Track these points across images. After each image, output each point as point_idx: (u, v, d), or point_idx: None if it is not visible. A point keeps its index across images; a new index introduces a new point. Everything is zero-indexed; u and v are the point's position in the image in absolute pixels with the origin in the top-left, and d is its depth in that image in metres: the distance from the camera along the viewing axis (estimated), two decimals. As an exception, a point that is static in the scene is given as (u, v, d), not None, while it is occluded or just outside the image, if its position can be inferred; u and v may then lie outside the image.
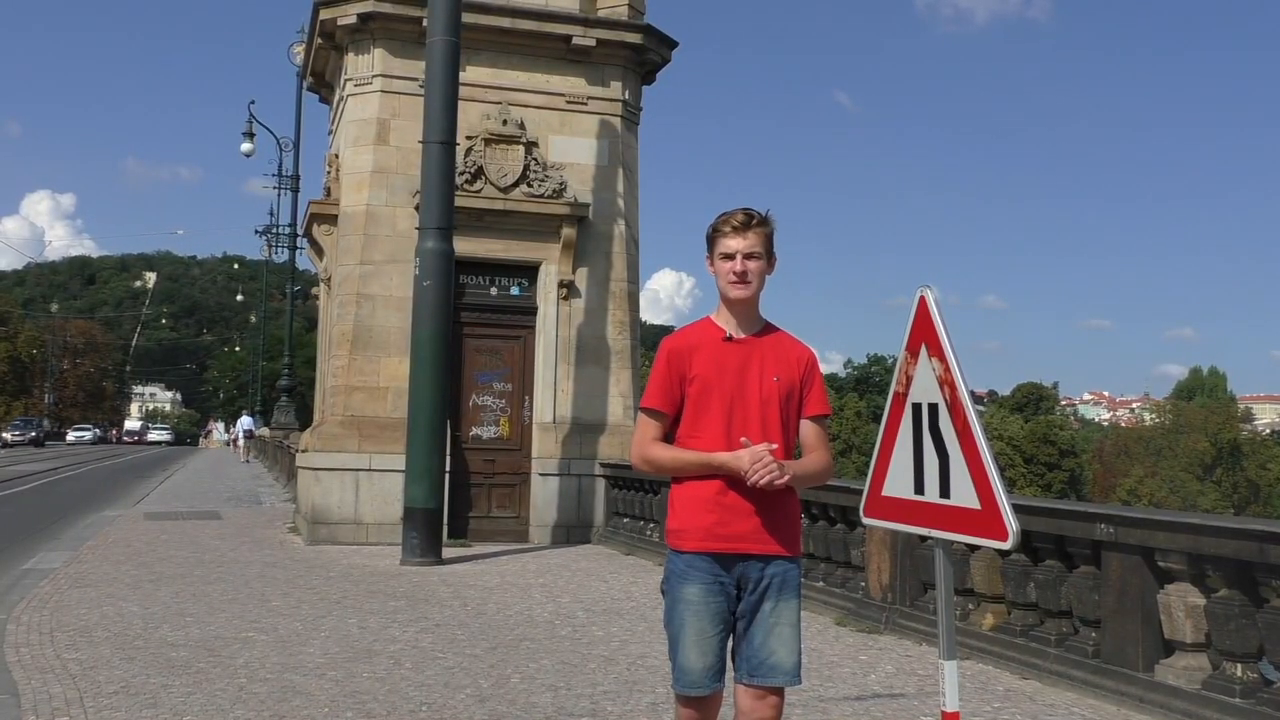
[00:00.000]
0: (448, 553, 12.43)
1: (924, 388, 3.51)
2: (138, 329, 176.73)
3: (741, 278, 3.51)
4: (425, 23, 12.86)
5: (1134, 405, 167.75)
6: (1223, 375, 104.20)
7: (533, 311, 14.68)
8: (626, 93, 15.31)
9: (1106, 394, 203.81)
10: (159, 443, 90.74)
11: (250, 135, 39.44)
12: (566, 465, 14.48)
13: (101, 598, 9.26)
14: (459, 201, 13.12)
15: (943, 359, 3.43)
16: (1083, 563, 6.80)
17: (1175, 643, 6.04)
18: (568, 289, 14.69)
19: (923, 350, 3.52)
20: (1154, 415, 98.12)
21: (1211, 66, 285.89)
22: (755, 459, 3.35)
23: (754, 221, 3.54)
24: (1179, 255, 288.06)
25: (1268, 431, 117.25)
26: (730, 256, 3.52)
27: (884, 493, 3.72)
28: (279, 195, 40.86)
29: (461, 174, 13.82)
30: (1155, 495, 77.03)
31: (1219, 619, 5.73)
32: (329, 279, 15.83)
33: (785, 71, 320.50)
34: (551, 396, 14.59)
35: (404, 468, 12.47)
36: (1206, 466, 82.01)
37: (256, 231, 44.66)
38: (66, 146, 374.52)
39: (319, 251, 15.94)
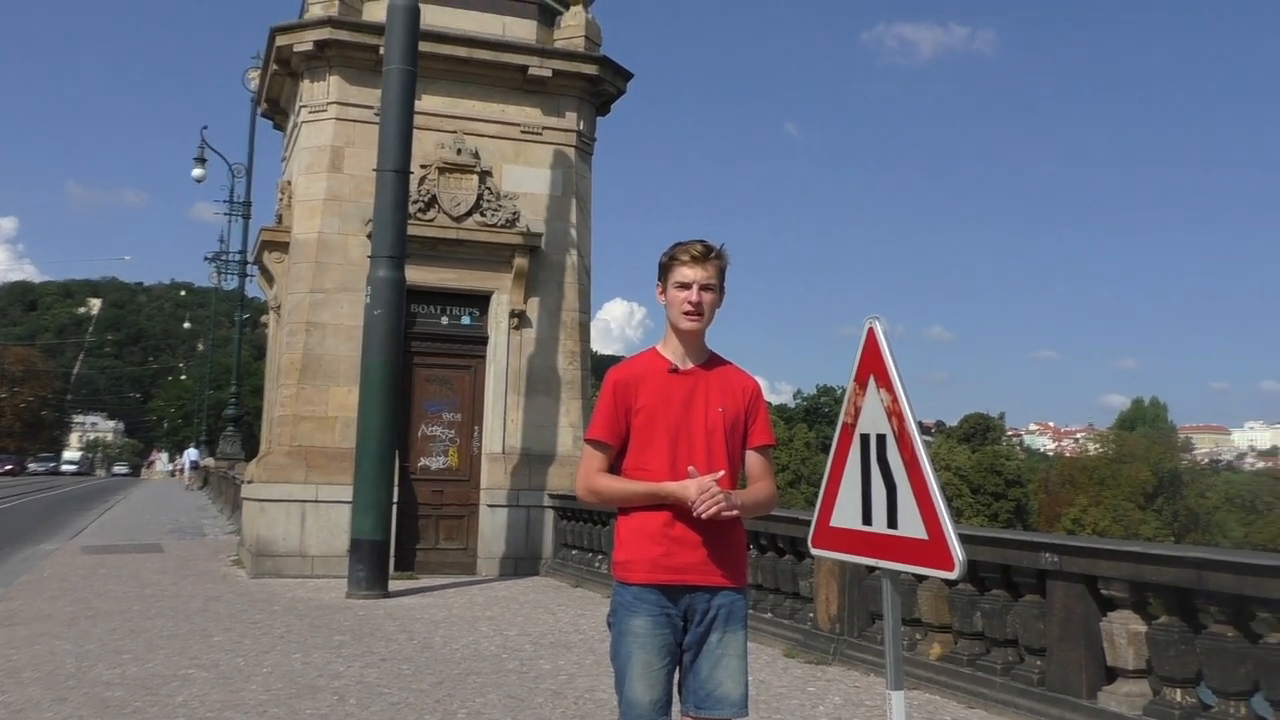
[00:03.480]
0: (394, 585, 12.29)
1: (872, 418, 3.53)
2: (80, 356, 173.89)
3: (696, 309, 3.52)
4: (382, 51, 12.85)
5: (1078, 435, 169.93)
6: (1163, 406, 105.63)
7: (484, 341, 14.62)
8: (581, 123, 15.36)
9: (1052, 424, 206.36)
10: (69, 473, 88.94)
11: (202, 160, 39.11)
12: (515, 496, 14.39)
13: (33, 636, 9.01)
14: (412, 230, 13.07)
15: (891, 390, 3.45)
16: (1028, 591, 6.86)
17: (1118, 669, 6.10)
18: (519, 319, 14.65)
19: (871, 381, 3.54)
20: (1097, 445, 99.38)
21: (1153, 101, 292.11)
22: (702, 489, 3.35)
23: (711, 254, 3.56)
24: (1122, 288, 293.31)
25: (1206, 461, 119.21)
26: (686, 286, 3.52)
27: (832, 523, 3.73)
28: (229, 221, 40.54)
29: (415, 203, 13.77)
30: (1099, 524, 77.92)
31: (1159, 645, 5.80)
32: (279, 307, 15.68)
33: (736, 103, 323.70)
34: (501, 427, 14.52)
35: (351, 499, 12.34)
36: (1148, 495, 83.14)
37: (206, 258, 44.22)
38: (7, 168, 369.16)
39: (269, 279, 15.79)
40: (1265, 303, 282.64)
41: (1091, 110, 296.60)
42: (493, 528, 14.32)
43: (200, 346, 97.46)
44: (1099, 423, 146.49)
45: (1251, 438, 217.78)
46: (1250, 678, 5.36)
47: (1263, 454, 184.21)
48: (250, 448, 35.73)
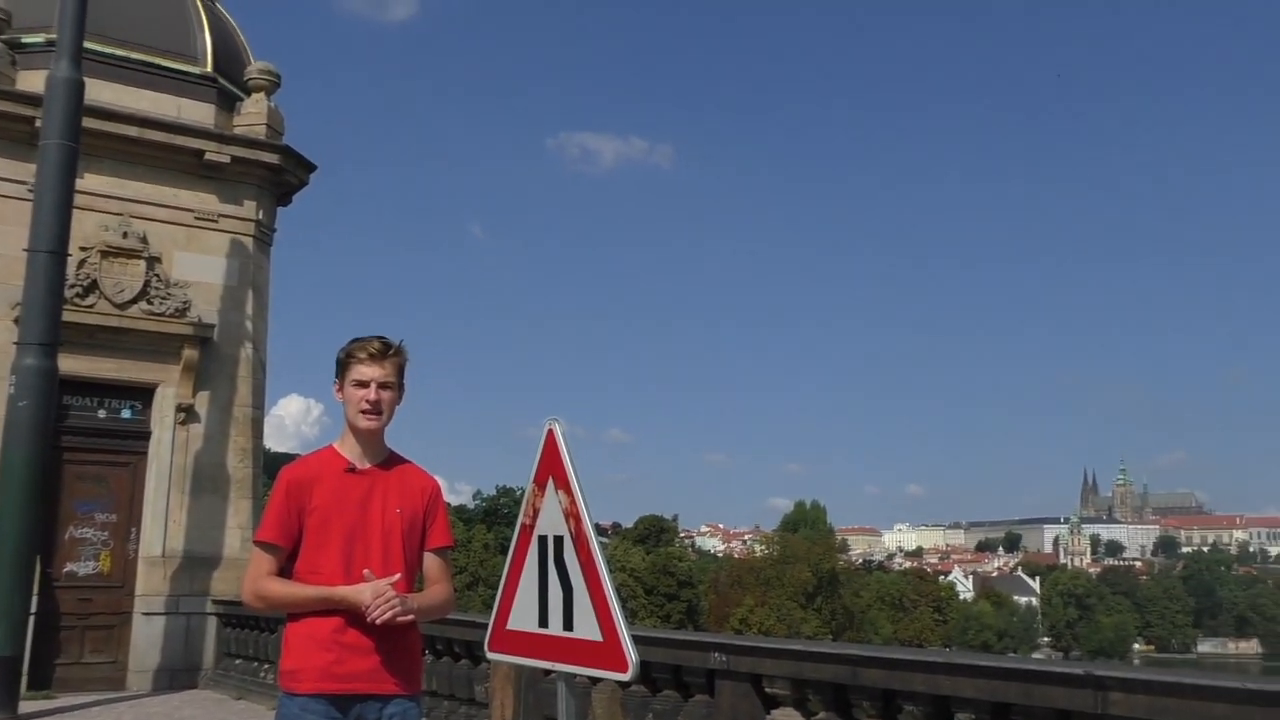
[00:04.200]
0: (27, 706, 11.12)
1: (550, 520, 3.56)
2: None
3: (374, 407, 3.46)
4: (40, 124, 12.01)
5: (746, 537, 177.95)
6: (823, 508, 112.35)
7: (146, 436, 13.70)
8: (261, 212, 14.89)
9: (722, 526, 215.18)
10: None
11: None
12: (175, 603, 13.44)
13: None
14: (68, 316, 12.14)
15: (569, 492, 3.50)
16: (698, 691, 7.02)
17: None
18: (186, 413, 13.85)
19: (550, 483, 3.58)
20: (763, 546, 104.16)
21: (814, 213, 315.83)
22: (377, 593, 3.26)
23: (390, 351, 3.51)
24: (787, 394, 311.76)
25: (860, 561, 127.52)
26: (364, 385, 3.46)
27: (509, 626, 3.71)
28: None
29: (72, 287, 12.82)
30: (765, 623, 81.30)
31: (819, 741, 6.06)
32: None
33: (423, 202, 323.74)
34: (162, 528, 13.58)
35: (-19, 608, 11.13)
36: (809, 595, 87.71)
37: None
38: None
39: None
40: (909, 413, 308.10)
41: (760, 220, 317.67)
42: (147, 638, 13.27)
43: None
44: (765, 524, 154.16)
45: (900, 538, 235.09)
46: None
47: (909, 554, 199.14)
48: None
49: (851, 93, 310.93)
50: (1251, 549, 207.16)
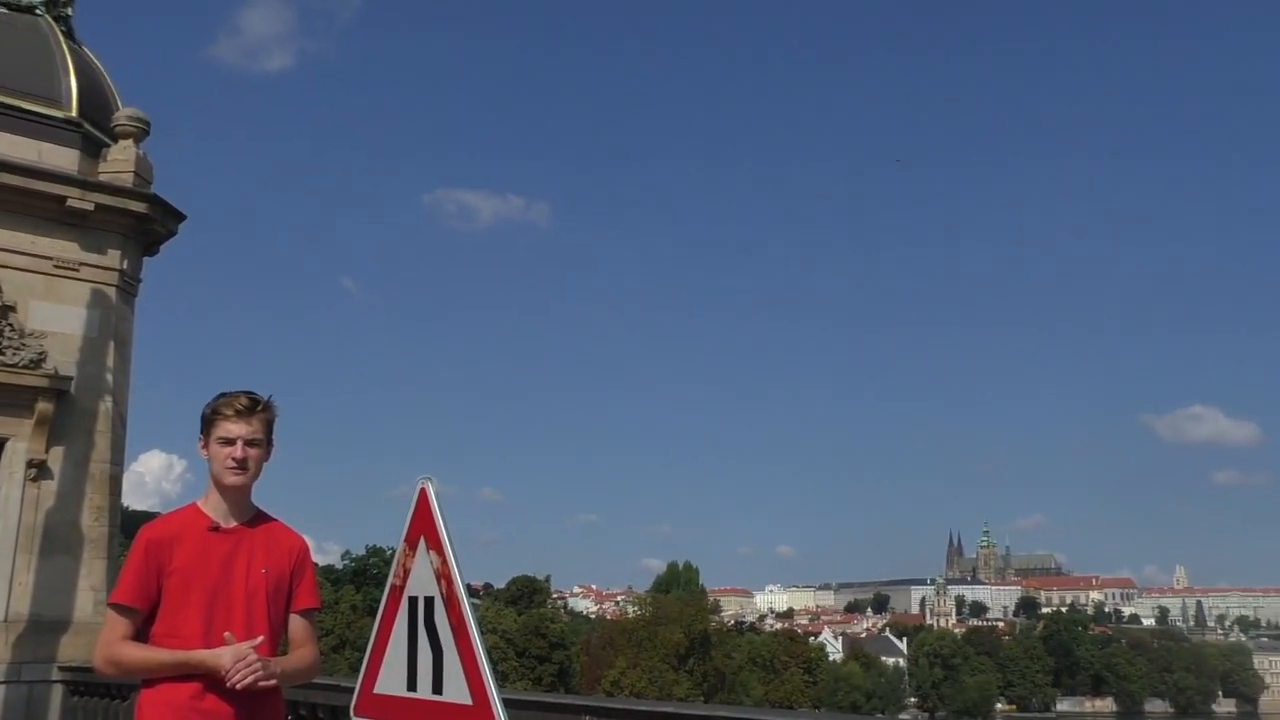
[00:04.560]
0: None
1: (421, 581, 3.50)
2: None
3: (241, 464, 3.37)
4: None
5: (619, 598, 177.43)
6: (696, 569, 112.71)
7: (-8, 493, 13.07)
8: (125, 262, 14.44)
9: (594, 587, 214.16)
10: None
11: None
12: (17, 671, 12.75)
13: None
14: (-91, 365, 11.59)
15: (441, 552, 3.45)
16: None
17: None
18: (38, 469, 13.26)
19: (422, 542, 3.52)
20: (636, 607, 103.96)
21: (686, 272, 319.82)
22: (238, 657, 3.16)
23: (258, 407, 3.44)
24: (660, 454, 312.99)
25: (732, 622, 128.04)
26: (230, 441, 3.37)
27: (376, 690, 3.62)
28: None
29: (-85, 335, 12.26)
30: (636, 685, 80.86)
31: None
32: None
33: (293, 256, 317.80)
34: (6, 590, 12.90)
35: None
36: (681, 656, 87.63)
37: None
38: None
39: None
40: (781, 474, 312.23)
41: (635, 278, 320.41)
42: (-14, 707, 12.57)
43: None
44: (638, 585, 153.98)
45: (771, 600, 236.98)
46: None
47: (780, 615, 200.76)
48: None
49: (724, 151, 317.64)
50: (1106, 609, 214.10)
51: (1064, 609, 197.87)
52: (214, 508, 3.42)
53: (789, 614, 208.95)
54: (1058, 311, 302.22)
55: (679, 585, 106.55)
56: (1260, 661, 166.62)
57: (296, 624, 3.47)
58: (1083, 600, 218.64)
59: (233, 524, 3.41)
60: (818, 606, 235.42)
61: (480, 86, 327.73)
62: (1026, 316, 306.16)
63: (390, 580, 3.63)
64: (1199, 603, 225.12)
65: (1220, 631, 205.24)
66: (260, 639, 3.25)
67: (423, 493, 3.55)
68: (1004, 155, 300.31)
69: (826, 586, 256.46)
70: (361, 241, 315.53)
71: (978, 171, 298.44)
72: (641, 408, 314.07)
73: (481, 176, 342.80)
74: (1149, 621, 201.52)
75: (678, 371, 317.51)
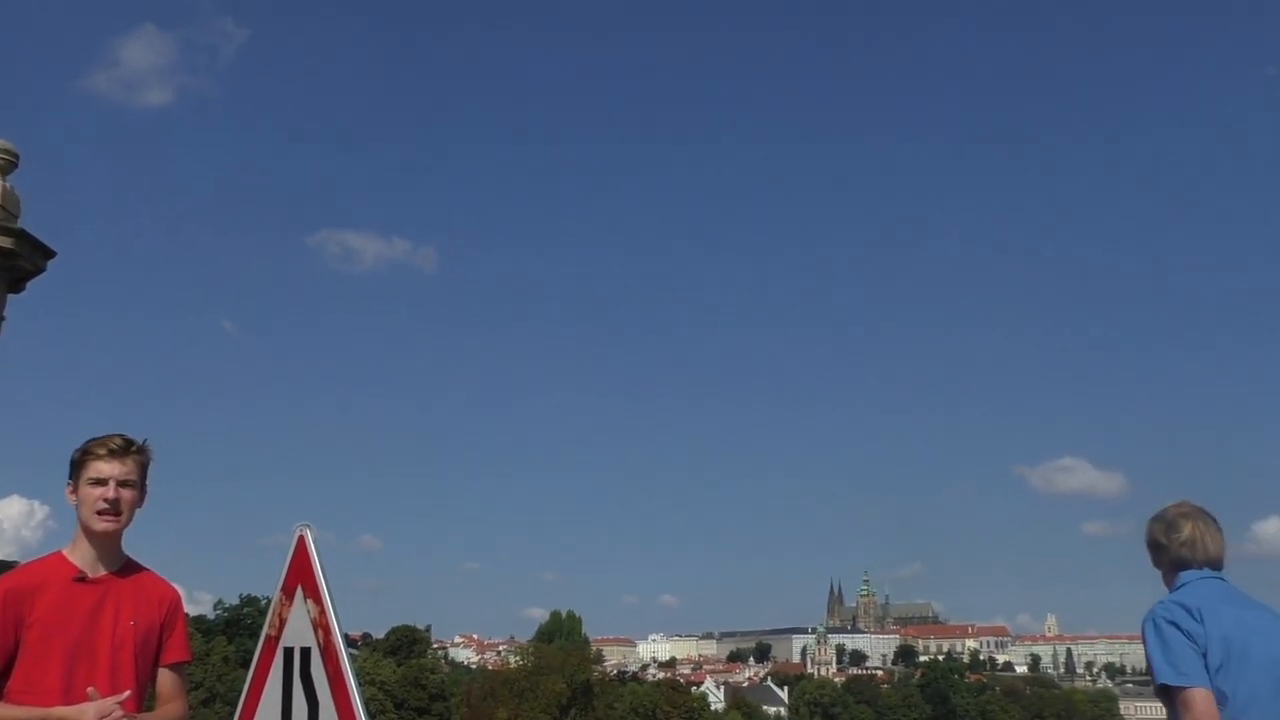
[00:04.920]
0: None
1: (298, 631, 3.42)
2: None
3: (113, 506, 3.25)
4: None
5: (501, 647, 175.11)
6: (579, 618, 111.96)
7: None
8: (-12, 299, 13.91)
9: (476, 636, 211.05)
10: None
11: None
12: None
13: None
14: None
15: (319, 601, 3.38)
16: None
17: None
18: (-112, 513, 12.63)
19: (299, 591, 3.44)
20: (518, 657, 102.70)
21: (571, 320, 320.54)
22: (101, 713, 3.02)
23: (132, 448, 3.32)
24: (545, 501, 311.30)
25: (615, 672, 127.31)
26: (102, 482, 3.25)
27: (248, 745, 3.51)
28: None
29: None
30: (517, 737, 79.66)
31: None
32: None
33: (169, 295, 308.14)
34: None
35: None
36: (563, 707, 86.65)
37: None
38: None
39: None
40: (665, 523, 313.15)
41: (520, 324, 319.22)
42: None
43: None
44: (520, 635, 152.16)
45: (654, 649, 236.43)
46: None
47: (663, 665, 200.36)
48: None
49: (610, 201, 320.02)
50: (981, 657, 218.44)
51: (941, 657, 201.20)
52: (81, 556, 3.28)
53: (672, 663, 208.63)
54: (935, 362, 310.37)
55: (562, 634, 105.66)
56: (1126, 707, 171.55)
57: (165, 678, 3.34)
58: (959, 648, 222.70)
59: (101, 573, 3.27)
60: (700, 655, 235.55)
61: (366, 128, 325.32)
62: (904, 367, 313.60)
63: (265, 630, 3.54)
64: (1069, 650, 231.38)
65: (1089, 678, 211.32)
66: (126, 694, 3.12)
67: (300, 540, 3.48)
68: (864, 238, 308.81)
69: (709, 635, 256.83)
70: (242, 282, 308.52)
71: (840, 253, 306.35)
72: (526, 453, 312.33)
73: (367, 219, 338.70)
74: (1022, 669, 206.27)
75: (561, 418, 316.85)
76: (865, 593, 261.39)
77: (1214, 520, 3.78)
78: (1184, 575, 3.72)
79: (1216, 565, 3.72)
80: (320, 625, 3.37)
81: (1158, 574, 3.89)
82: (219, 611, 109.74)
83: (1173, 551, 3.77)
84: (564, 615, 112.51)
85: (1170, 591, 3.73)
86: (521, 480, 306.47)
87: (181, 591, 3.50)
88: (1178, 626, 3.46)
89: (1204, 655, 3.40)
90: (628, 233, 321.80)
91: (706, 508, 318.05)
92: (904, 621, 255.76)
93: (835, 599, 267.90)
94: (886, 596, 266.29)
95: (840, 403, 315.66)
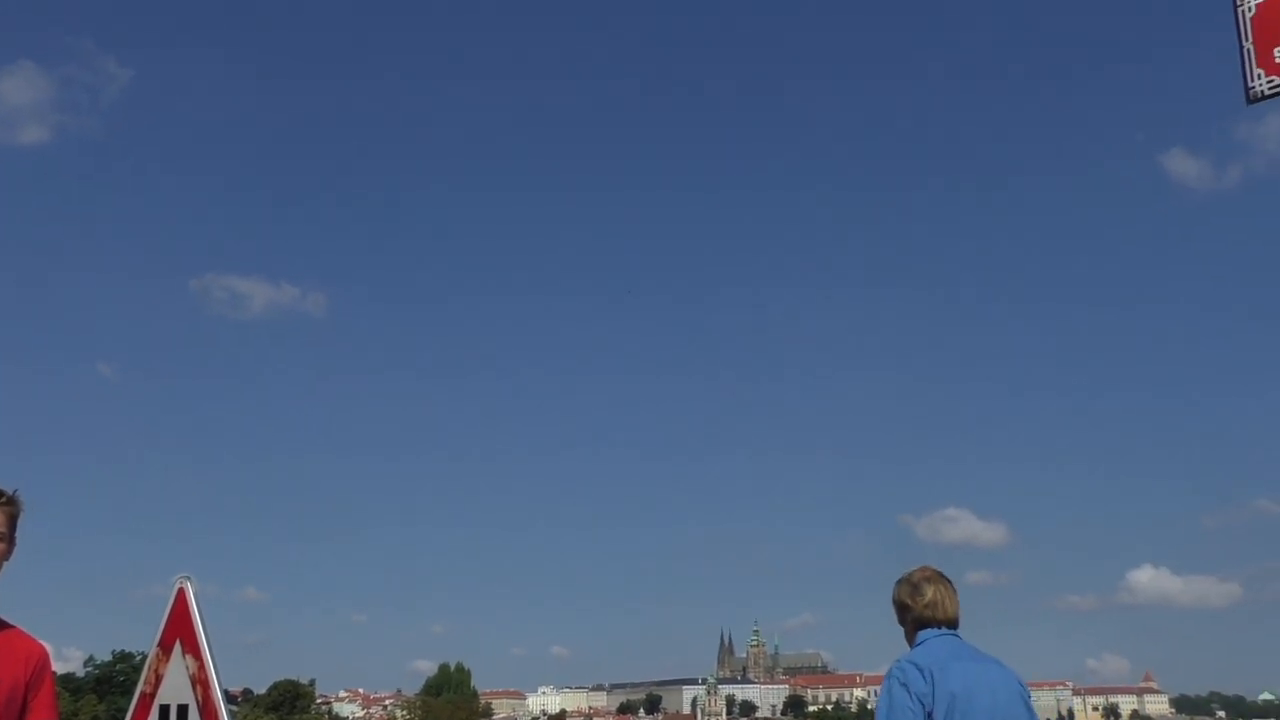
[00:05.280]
0: None
1: (175, 687, 3.29)
2: None
3: (-20, 560, 3.10)
4: None
5: (387, 702, 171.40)
6: (468, 671, 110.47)
7: None
8: None
9: (362, 690, 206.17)
10: None
11: None
12: None
13: None
14: None
15: (198, 656, 3.26)
16: None
17: None
18: None
19: (177, 646, 3.32)
20: (404, 711, 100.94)
21: (458, 366, 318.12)
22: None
23: (1, 499, 3.18)
24: (432, 551, 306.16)
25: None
26: (-32, 535, 3.10)
27: (118, 809, 3.36)
28: None
29: None
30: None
31: None
32: None
33: (43, 338, 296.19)
34: None
35: None
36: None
37: None
38: None
39: None
40: (554, 574, 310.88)
41: (410, 372, 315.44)
42: None
43: None
44: (408, 688, 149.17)
45: (544, 701, 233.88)
46: None
47: (553, 717, 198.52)
48: None
49: (502, 250, 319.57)
50: (869, 706, 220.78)
51: (829, 707, 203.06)
52: (-58, 611, 3.12)
53: (562, 715, 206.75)
54: (824, 410, 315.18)
55: (450, 687, 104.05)
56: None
57: (30, 739, 3.18)
58: (847, 698, 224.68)
59: (-36, 629, 3.12)
60: (591, 708, 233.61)
61: (254, 170, 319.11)
62: (793, 415, 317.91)
63: (140, 688, 3.40)
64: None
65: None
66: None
67: (180, 593, 3.36)
68: (752, 285, 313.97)
69: (600, 687, 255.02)
70: (121, 327, 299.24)
71: (728, 299, 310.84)
72: (413, 502, 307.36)
73: (255, 263, 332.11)
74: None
75: (452, 469, 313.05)
76: (755, 643, 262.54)
77: (951, 584, 4.29)
78: (922, 634, 4.16)
79: (953, 624, 4.20)
80: (199, 681, 3.25)
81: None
82: (90, 668, 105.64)
83: (916, 612, 4.21)
84: (452, 668, 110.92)
85: (911, 648, 4.15)
86: (410, 530, 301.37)
87: (50, 648, 3.34)
88: (908, 689, 3.90)
89: (929, 714, 3.84)
90: (520, 280, 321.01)
91: (598, 558, 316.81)
92: (793, 671, 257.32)
93: (725, 649, 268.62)
94: (776, 646, 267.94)
95: (730, 452, 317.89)
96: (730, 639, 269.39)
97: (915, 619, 4.20)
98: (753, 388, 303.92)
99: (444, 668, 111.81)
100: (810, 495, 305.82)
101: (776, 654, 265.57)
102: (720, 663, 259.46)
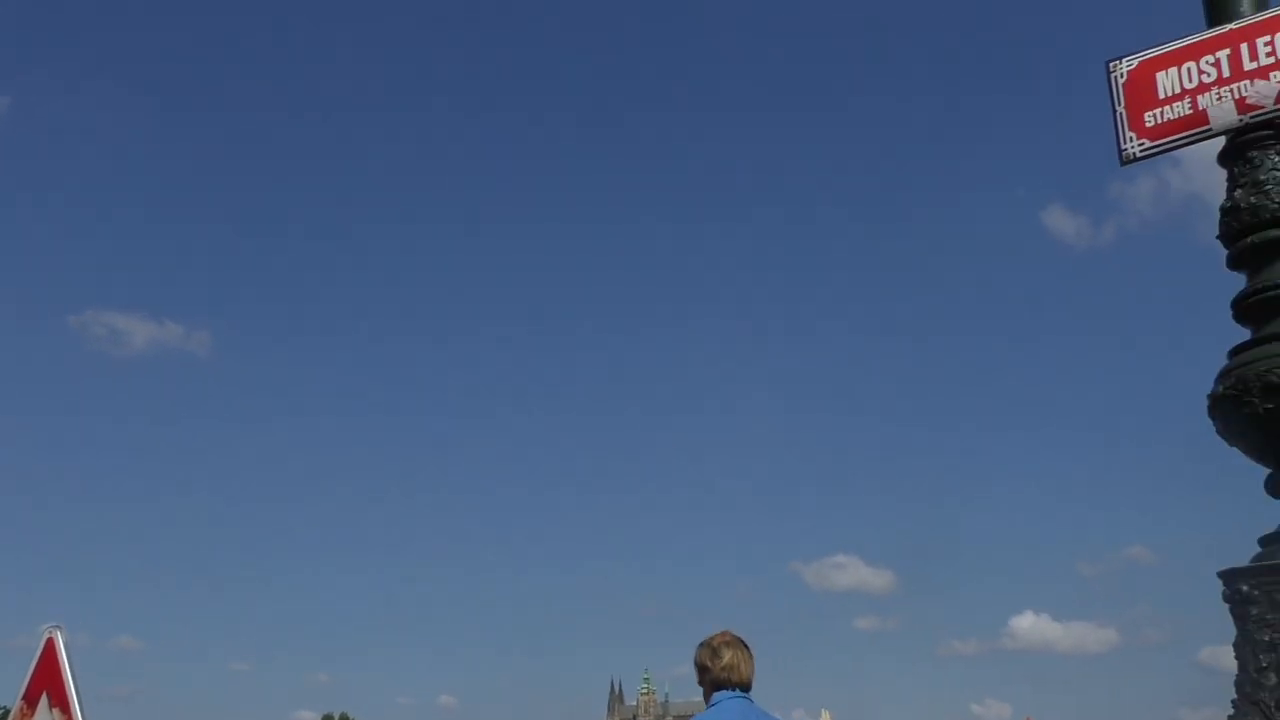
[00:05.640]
0: None
1: (40, 743, 3.16)
2: None
3: None
4: None
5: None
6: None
7: None
8: None
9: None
10: None
11: None
12: None
13: None
14: None
15: (66, 709, 3.14)
16: None
17: None
18: None
19: (43, 699, 3.19)
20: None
21: (342, 407, 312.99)
22: None
23: None
24: (317, 597, 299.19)
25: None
26: None
27: None
28: None
29: None
30: None
31: None
32: None
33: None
34: None
35: None
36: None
37: None
38: None
39: None
40: (439, 620, 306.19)
41: (298, 412, 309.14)
42: None
43: None
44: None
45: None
46: None
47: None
48: None
49: (395, 289, 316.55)
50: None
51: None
52: None
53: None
54: (711, 458, 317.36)
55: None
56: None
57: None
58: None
59: None
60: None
61: (137, 203, 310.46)
62: (677, 462, 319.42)
63: (2, 743, 3.26)
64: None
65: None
66: None
67: (49, 643, 3.24)
68: (630, 327, 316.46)
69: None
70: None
71: (609, 343, 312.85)
72: (298, 545, 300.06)
73: (136, 299, 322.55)
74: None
75: (335, 514, 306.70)
76: (645, 690, 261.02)
77: (749, 649, 4.62)
78: (717, 695, 4.49)
79: (746, 687, 4.53)
80: (67, 734, 3.13)
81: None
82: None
83: (714, 674, 4.52)
84: (337, 718, 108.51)
85: (707, 707, 4.49)
86: (296, 575, 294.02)
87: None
88: None
89: None
90: (414, 320, 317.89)
91: (486, 606, 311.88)
92: (684, 718, 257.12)
93: (616, 697, 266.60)
94: (666, 694, 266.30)
95: (620, 496, 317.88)
96: (620, 686, 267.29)
97: (713, 680, 4.52)
98: (643, 434, 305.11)
99: (328, 717, 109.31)
100: (701, 541, 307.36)
101: (667, 702, 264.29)
102: (610, 710, 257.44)
